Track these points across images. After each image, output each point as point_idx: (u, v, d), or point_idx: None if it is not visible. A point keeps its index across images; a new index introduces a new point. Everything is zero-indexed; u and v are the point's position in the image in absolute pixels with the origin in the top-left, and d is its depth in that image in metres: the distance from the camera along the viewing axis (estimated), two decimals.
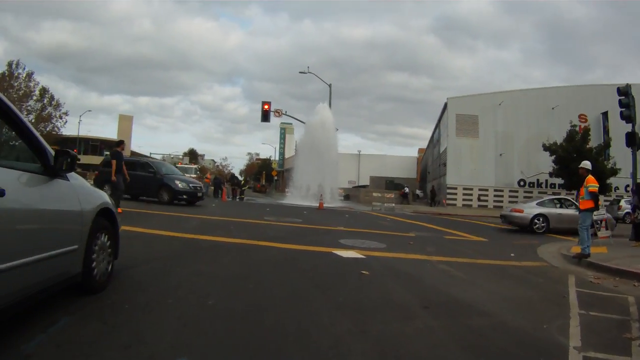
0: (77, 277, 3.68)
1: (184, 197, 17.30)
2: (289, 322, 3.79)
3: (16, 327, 3.07)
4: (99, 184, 13.08)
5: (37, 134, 3.26)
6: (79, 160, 27.61)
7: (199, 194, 18.17)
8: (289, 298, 4.60)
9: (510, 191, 37.15)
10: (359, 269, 6.38)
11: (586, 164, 9.33)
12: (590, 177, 8.87)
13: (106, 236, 4.26)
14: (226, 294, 4.57)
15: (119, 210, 11.97)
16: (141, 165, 18.46)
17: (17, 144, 3.32)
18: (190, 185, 17.76)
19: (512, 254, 9.28)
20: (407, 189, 43.08)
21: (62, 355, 2.78)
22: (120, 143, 13.56)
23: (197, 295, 4.39)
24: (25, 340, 2.91)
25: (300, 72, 34.85)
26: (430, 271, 6.76)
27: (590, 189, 8.74)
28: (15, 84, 39.12)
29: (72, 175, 3.73)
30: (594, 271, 7.59)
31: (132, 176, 14.98)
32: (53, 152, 3.36)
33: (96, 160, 50.91)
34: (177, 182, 17.38)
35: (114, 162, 12.56)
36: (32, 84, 40.47)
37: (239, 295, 4.53)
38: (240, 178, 40.24)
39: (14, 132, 3.10)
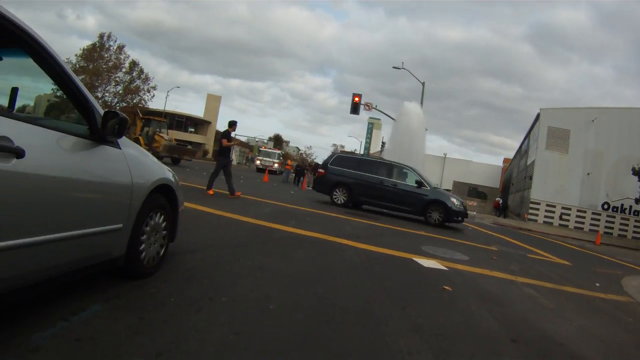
0: (120, 260, 3.20)
1: (459, 218, 14.58)
2: (359, 344, 3.11)
3: (37, 310, 2.62)
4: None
5: (84, 88, 2.76)
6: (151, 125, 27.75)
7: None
8: (361, 312, 3.89)
9: (593, 213, 34.21)
10: (440, 283, 5.65)
11: None
12: None
13: (162, 216, 3.77)
14: (291, 298, 3.93)
15: (210, 192, 11.86)
16: (396, 170, 15.35)
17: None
18: (463, 202, 15.13)
19: (598, 284, 8.30)
20: (501, 200, 41.04)
21: (75, 355, 2.27)
22: (232, 124, 12.97)
23: (257, 295, 3.80)
24: (41, 328, 2.45)
25: (394, 67, 33.78)
26: (516, 295, 5.97)
27: None
28: (106, 55, 41.02)
29: (126, 143, 3.24)
30: None
31: (381, 184, 14.52)
32: (102, 113, 2.86)
33: (180, 135, 52.78)
34: (453, 199, 14.59)
35: (223, 141, 12.48)
36: (122, 57, 42.31)
37: (305, 302, 3.88)
38: None
39: (54, 83, 2.62)
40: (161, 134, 28.64)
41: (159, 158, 26.42)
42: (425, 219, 14.29)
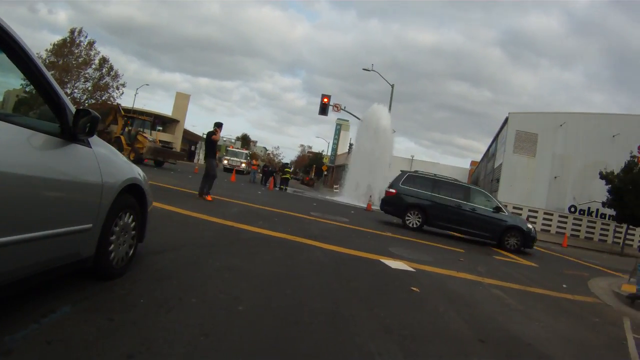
0: (89, 260, 3.15)
1: (533, 243, 14.19)
2: (329, 346, 3.16)
3: (7, 313, 2.57)
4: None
5: (56, 85, 2.72)
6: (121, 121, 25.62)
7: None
8: (330, 313, 3.94)
9: (560, 216, 35.18)
10: (408, 284, 5.75)
11: None
12: None
13: (131, 216, 3.73)
14: (260, 299, 3.95)
15: (209, 197, 11.48)
16: (472, 193, 14.68)
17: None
18: (534, 227, 14.82)
19: (564, 285, 8.61)
20: None
21: (47, 358, 2.24)
22: (219, 125, 12.42)
23: (226, 296, 3.81)
24: (12, 330, 2.41)
25: (364, 69, 34.02)
26: (484, 296, 6.13)
27: None
28: (76, 51, 40.01)
29: (97, 142, 3.19)
30: None
31: (459, 208, 13.84)
32: (74, 111, 2.82)
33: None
34: (528, 224, 14.34)
35: (214, 137, 12.14)
36: (92, 53, 41.29)
37: (273, 303, 3.91)
38: (290, 168, 39.73)
39: (26, 79, 2.57)
40: (144, 134, 26.76)
41: (141, 160, 24.57)
42: (500, 245, 13.71)
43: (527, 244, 13.79)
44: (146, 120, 29.46)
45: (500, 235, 13.73)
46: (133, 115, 29.93)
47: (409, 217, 14.20)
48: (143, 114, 35.84)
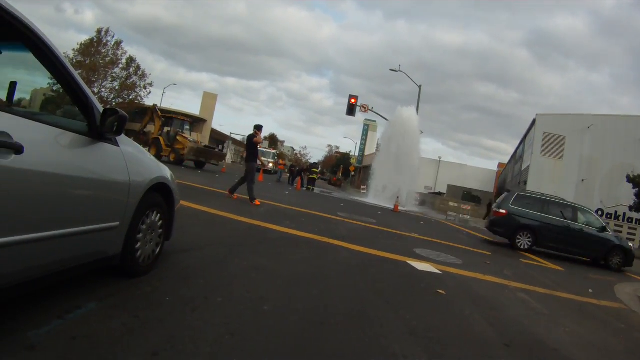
0: (116, 258, 3.18)
1: (633, 261, 13.87)
2: (354, 347, 3.11)
3: (32, 308, 2.60)
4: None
5: (84, 85, 2.74)
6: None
7: None
8: (356, 314, 3.89)
9: None
10: (434, 286, 5.67)
11: None
12: None
13: (158, 215, 3.76)
14: (286, 299, 3.93)
15: (234, 196, 11.52)
16: (579, 213, 14.27)
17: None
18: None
19: (590, 290, 8.39)
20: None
21: (71, 354, 2.25)
22: (259, 128, 12.27)
23: (252, 296, 3.79)
24: (36, 325, 2.43)
25: (391, 70, 33.82)
26: (510, 300, 6.01)
27: None
28: (103, 50, 40.78)
29: (124, 141, 3.22)
30: None
31: (567, 228, 13.44)
32: (101, 110, 2.85)
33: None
34: (630, 243, 14.31)
35: (256, 139, 12.06)
36: (119, 52, 42.01)
37: (299, 304, 3.87)
38: (318, 169, 39.76)
39: (54, 79, 2.60)
40: (184, 135, 25.49)
41: (182, 161, 24.07)
42: (604, 264, 13.54)
43: (628, 263, 13.57)
44: (185, 120, 28.20)
45: (605, 254, 13.54)
46: (172, 116, 28.46)
47: (519, 238, 13.78)
48: (180, 114, 34.77)
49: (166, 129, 26.32)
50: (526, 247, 13.56)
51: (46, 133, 2.40)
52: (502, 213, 14.10)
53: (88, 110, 2.78)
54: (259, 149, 12.48)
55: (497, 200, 15.72)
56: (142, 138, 27.40)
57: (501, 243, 14.04)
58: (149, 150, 24.52)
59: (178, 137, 24.83)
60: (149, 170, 3.54)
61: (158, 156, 23.68)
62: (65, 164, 2.50)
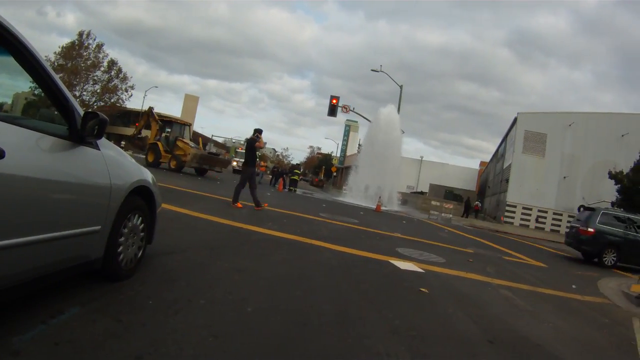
0: (98, 262, 3.16)
1: None
2: (338, 346, 3.15)
3: (16, 314, 2.58)
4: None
5: (65, 88, 2.73)
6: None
7: None
8: (339, 314, 3.93)
9: (569, 216, 34.59)
10: (417, 285, 5.72)
11: None
12: None
13: (140, 218, 3.74)
14: (269, 300, 3.95)
15: (238, 205, 11.26)
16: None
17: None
18: None
19: (574, 286, 8.58)
20: (480, 204, 41.71)
21: (55, 359, 2.25)
22: (259, 131, 12.26)
23: (235, 297, 3.80)
24: (21, 331, 2.42)
25: (372, 70, 33.96)
26: (493, 297, 6.10)
27: None
28: (85, 53, 40.45)
29: (105, 144, 3.20)
30: None
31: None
32: (82, 114, 2.83)
33: None
34: None
35: (259, 143, 11.94)
36: (101, 55, 41.72)
37: (283, 305, 3.90)
38: (300, 170, 39.80)
39: (35, 83, 2.59)
40: (185, 140, 24.01)
41: (182, 168, 22.72)
42: None
43: None
44: (185, 124, 26.92)
45: None
46: (170, 120, 27.08)
47: (605, 255, 14.04)
48: (179, 119, 32.93)
49: (164, 134, 25.03)
50: (611, 263, 13.87)
51: (27, 137, 2.38)
52: (590, 232, 14.23)
53: (69, 114, 2.76)
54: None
55: (577, 217, 16.04)
56: (137, 143, 26.67)
57: (483, 243, 14.16)
58: (146, 157, 24.21)
59: (178, 143, 23.58)
60: (130, 174, 3.53)
61: (156, 163, 23.13)
62: (47, 168, 2.49)
